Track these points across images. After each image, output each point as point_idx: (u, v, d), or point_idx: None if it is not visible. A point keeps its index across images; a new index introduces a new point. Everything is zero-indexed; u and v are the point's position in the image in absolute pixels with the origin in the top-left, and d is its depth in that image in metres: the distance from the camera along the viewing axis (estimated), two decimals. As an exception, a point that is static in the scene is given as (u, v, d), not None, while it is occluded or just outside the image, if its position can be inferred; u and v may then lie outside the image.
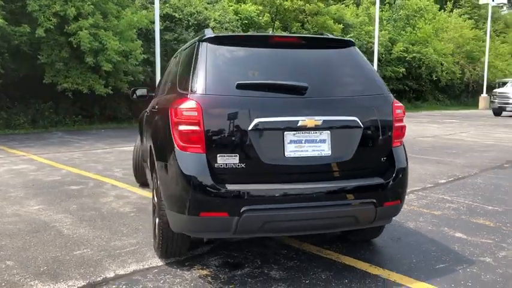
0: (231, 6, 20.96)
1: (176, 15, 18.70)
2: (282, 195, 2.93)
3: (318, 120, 3.00)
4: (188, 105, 2.96)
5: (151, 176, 3.98)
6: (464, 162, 8.29)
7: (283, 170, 3.00)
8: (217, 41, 3.25)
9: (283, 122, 2.97)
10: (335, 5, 26.50)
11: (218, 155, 2.92)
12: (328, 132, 3.04)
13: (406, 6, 30.36)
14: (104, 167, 7.79)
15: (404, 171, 3.24)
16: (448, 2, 34.04)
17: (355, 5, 29.18)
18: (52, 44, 14.08)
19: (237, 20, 20.55)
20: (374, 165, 3.19)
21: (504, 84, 24.75)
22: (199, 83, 3.02)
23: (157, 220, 3.50)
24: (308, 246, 3.86)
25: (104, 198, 5.55)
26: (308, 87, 3.05)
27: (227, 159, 2.92)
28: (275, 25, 21.93)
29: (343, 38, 3.61)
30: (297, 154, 3.00)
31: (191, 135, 2.93)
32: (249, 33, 3.29)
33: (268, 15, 21.76)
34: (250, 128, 2.93)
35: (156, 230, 3.42)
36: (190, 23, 18.99)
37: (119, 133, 13.61)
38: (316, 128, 3.01)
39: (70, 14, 13.78)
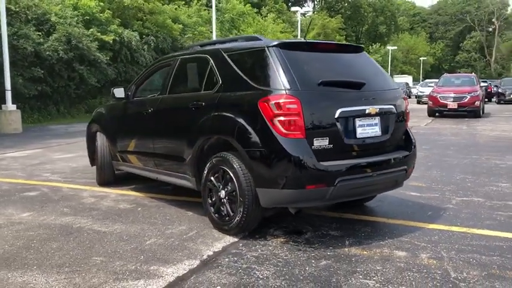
0: (70, 1, 19.84)
1: (12, 7, 17.00)
2: (361, 167, 3.80)
3: (376, 108, 3.96)
4: (289, 99, 3.59)
5: (195, 167, 4.38)
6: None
7: (356, 148, 3.88)
8: (284, 46, 3.91)
9: (356, 111, 3.84)
10: (168, 5, 27.01)
11: (314, 139, 3.64)
12: (379, 117, 4.02)
13: (231, 10, 32.60)
14: (25, 173, 7.28)
15: (415, 145, 4.39)
16: (263, 7, 37.55)
17: (186, 6, 30.12)
18: None
19: (77, 15, 19.59)
20: (399, 141, 4.28)
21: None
22: (291, 81, 3.67)
23: (224, 200, 4.00)
24: (327, 212, 4.76)
25: (84, 199, 5.48)
26: (365, 84, 3.99)
27: (321, 142, 3.66)
28: (116, 22, 21.47)
29: (360, 45, 4.60)
30: (363, 135, 3.90)
31: (293, 124, 3.58)
32: (303, 40, 3.81)
33: (109, 11, 21.19)
34: (336, 116, 3.72)
35: (236, 208, 3.88)
36: (29, 17, 17.47)
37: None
38: (373, 115, 3.96)
39: None
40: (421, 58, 74.18)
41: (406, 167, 4.17)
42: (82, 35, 18.56)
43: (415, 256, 3.57)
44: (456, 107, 16.91)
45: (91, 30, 19.67)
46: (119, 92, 5.55)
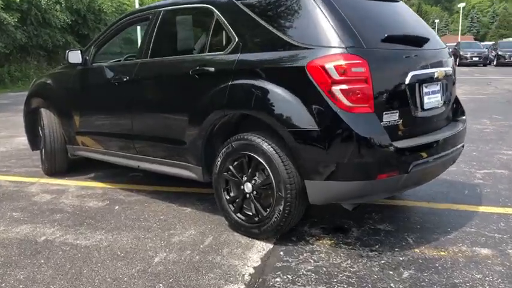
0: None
1: None
2: (431, 146, 3.00)
3: (442, 71, 3.16)
4: (355, 60, 2.67)
5: (202, 152, 3.36)
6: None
7: (423, 121, 3.06)
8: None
9: (426, 74, 3.02)
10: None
11: (384, 113, 2.77)
12: (440, 82, 3.23)
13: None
14: None
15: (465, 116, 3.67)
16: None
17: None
18: None
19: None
20: (452, 112, 3.53)
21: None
22: (351, 36, 2.74)
23: (251, 195, 3.08)
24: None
25: (35, 197, 4.23)
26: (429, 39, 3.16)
27: (390, 116, 2.81)
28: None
29: None
30: (429, 106, 3.10)
31: (360, 94, 2.68)
32: None
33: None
34: (407, 81, 2.87)
35: (272, 206, 2.96)
36: None
37: None
38: (437, 80, 3.15)
39: None
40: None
41: (463, 142, 3.46)
42: (-17, -8, 15.90)
43: (505, 254, 2.89)
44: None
45: (-8, -14, 16.95)
46: (75, 56, 4.26)
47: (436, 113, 3.18)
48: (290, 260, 2.86)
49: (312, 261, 2.84)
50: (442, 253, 2.92)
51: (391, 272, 2.68)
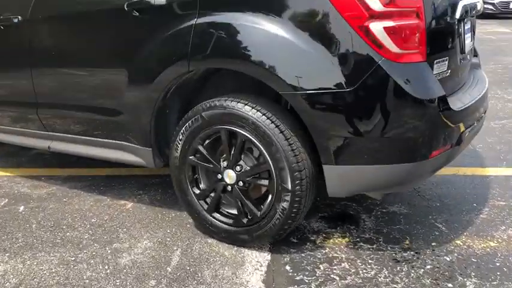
0: None
1: None
2: (478, 105, 2.24)
3: (482, 2, 2.36)
4: (404, -16, 1.75)
5: (152, 127, 2.30)
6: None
7: (461, 71, 2.27)
8: None
9: (469, 6, 2.19)
10: None
11: (435, 62, 1.92)
12: (471, 19, 2.44)
13: None
14: None
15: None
16: None
17: None
18: None
19: None
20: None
21: None
22: None
23: (236, 187, 2.13)
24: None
25: None
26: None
27: (441, 66, 1.97)
28: None
29: None
30: (467, 48, 2.31)
31: (410, 35, 1.79)
32: None
33: None
34: (458, 15, 2.03)
35: (272, 202, 2.05)
36: None
37: None
38: (474, 14, 2.36)
39: None
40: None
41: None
42: None
43: (562, 236, 2.29)
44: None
45: None
46: None
47: (469, 58, 2.41)
48: (305, 279, 2.00)
49: (336, 277, 2.00)
50: (492, 244, 2.25)
51: (450, 285, 1.93)
